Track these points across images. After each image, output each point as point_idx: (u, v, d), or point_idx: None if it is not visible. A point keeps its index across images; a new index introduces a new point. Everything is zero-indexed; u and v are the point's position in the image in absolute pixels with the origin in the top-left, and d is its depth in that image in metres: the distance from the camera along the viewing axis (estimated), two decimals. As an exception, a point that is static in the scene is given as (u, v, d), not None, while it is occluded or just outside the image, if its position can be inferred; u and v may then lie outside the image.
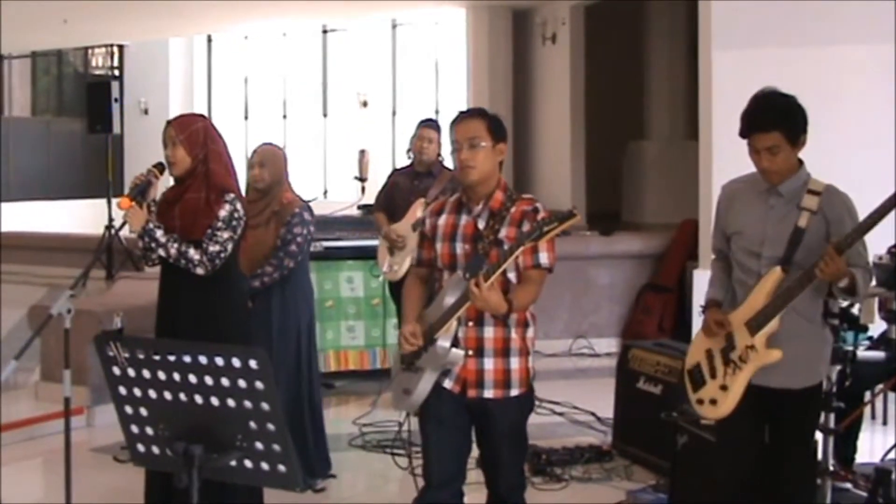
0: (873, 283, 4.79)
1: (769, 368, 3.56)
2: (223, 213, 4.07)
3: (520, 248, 3.30)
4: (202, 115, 4.38)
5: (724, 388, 3.62)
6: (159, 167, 4.15)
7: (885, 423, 6.11)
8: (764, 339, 3.53)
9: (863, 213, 3.43)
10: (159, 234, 4.00)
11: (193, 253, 4.02)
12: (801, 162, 3.62)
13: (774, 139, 3.49)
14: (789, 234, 3.52)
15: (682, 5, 11.66)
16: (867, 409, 5.52)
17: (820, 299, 3.63)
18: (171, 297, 4.18)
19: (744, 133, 3.58)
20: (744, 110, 3.61)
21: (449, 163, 6.67)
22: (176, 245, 4.01)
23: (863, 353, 4.62)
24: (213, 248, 4.03)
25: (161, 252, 4.01)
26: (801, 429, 3.69)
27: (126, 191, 4.12)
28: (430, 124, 6.59)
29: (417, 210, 6.22)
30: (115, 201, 4.56)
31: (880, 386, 5.01)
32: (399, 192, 6.52)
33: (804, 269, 3.48)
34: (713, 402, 3.66)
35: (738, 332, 3.60)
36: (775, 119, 3.51)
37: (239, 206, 4.12)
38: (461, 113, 3.69)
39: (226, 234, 4.06)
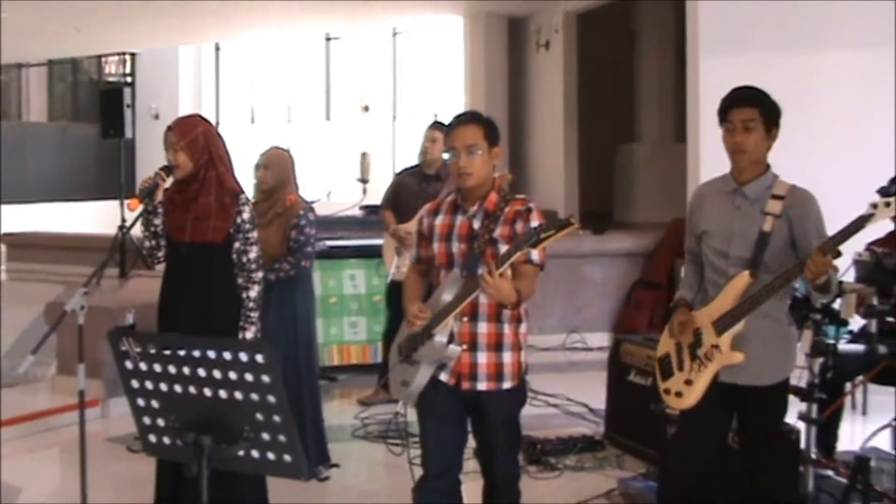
0: (853, 279, 4.83)
1: (736, 366, 3.54)
2: (247, 215, 4.13)
3: (517, 252, 3.29)
4: (201, 118, 4.30)
5: (688, 382, 3.62)
6: (165, 170, 4.17)
7: (864, 412, 6.12)
8: (729, 340, 3.52)
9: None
10: (249, 335, 4.11)
11: (254, 294, 4.13)
12: (768, 166, 3.62)
13: (751, 114, 3.52)
14: (755, 237, 3.51)
15: (671, 13, 11.66)
16: (847, 400, 5.53)
17: (785, 301, 3.61)
18: (175, 292, 4.21)
19: (724, 111, 3.58)
20: (724, 96, 3.64)
21: None
22: (250, 307, 4.12)
23: (843, 346, 4.63)
24: (253, 253, 4.14)
25: (258, 323, 4.14)
26: (770, 421, 3.68)
27: (136, 192, 4.14)
28: (437, 126, 6.50)
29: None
30: (127, 202, 4.56)
31: (860, 377, 5.01)
32: (405, 192, 6.46)
33: (772, 271, 3.48)
34: (678, 394, 3.66)
35: (705, 331, 3.59)
36: (754, 96, 3.57)
37: (250, 204, 4.20)
38: (458, 118, 3.66)
39: (255, 234, 4.17)
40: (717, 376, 3.58)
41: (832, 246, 3.30)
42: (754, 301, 3.46)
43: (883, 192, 3.28)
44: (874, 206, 3.29)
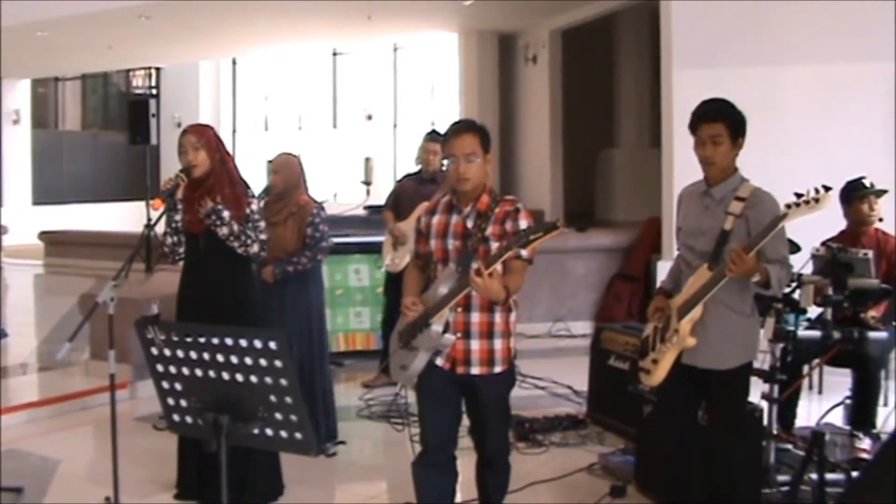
0: (811, 271, 4.84)
1: (698, 351, 3.56)
2: (255, 207, 4.21)
3: (509, 252, 3.29)
4: (209, 125, 4.45)
5: (655, 361, 3.65)
6: (185, 172, 4.21)
7: (820, 392, 6.13)
8: (688, 325, 3.53)
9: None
10: (226, 214, 4.10)
11: (251, 233, 4.16)
12: (736, 169, 3.62)
13: (718, 129, 3.53)
14: (717, 235, 3.52)
15: (648, 29, 11.67)
16: (805, 381, 5.55)
17: (747, 293, 3.60)
18: (196, 282, 4.24)
19: (693, 126, 3.59)
20: (694, 110, 3.64)
21: None
22: (237, 225, 4.12)
23: (802, 332, 4.64)
24: (263, 235, 4.22)
25: (225, 230, 4.10)
26: (731, 401, 3.68)
27: (159, 193, 4.19)
28: (434, 137, 6.47)
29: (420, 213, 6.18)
30: (151, 202, 4.61)
31: (817, 360, 5.03)
32: (405, 195, 6.50)
33: None
34: (647, 371, 3.69)
35: (673, 316, 3.62)
36: (720, 112, 3.57)
37: (258, 198, 4.30)
38: (456, 127, 3.62)
39: (263, 224, 4.25)
40: (679, 358, 3.60)
41: (752, 244, 3.35)
42: (705, 288, 3.49)
43: (797, 195, 3.34)
44: (787, 206, 3.36)
